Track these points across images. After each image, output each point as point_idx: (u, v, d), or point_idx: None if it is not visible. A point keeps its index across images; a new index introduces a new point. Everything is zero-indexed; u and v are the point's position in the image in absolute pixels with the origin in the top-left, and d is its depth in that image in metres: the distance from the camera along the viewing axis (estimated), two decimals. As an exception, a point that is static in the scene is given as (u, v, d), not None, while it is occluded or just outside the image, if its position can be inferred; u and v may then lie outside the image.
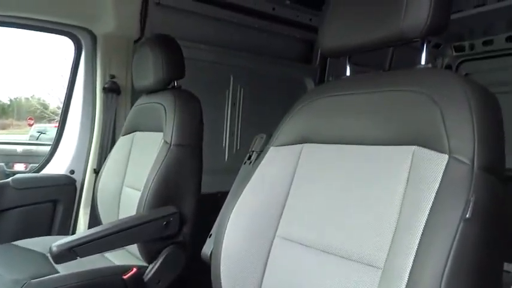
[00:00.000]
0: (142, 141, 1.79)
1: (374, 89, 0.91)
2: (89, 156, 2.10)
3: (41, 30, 1.98)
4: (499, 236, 0.71)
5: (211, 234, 1.22)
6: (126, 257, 1.61)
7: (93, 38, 2.06)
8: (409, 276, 0.69)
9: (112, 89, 2.06)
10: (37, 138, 7.70)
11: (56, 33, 2.03)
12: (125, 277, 1.39)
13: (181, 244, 1.53)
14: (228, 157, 2.53)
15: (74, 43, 2.08)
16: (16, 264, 1.46)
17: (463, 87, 0.75)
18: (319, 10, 2.51)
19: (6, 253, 1.59)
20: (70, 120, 2.15)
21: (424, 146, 0.77)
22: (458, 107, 0.73)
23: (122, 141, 1.91)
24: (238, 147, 2.56)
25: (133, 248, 1.52)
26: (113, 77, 2.07)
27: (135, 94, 2.06)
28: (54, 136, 2.23)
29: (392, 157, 0.82)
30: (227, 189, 1.27)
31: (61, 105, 2.26)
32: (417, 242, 0.69)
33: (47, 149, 2.31)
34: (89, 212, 2.06)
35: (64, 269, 1.40)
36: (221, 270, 1.02)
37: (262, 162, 1.08)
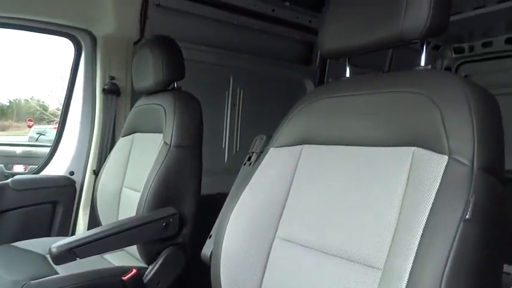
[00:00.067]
0: (142, 143, 1.79)
1: (374, 90, 0.91)
2: (88, 157, 2.10)
3: (41, 32, 1.98)
4: (499, 237, 0.71)
5: (211, 235, 1.22)
6: (126, 258, 1.61)
7: (93, 39, 2.06)
8: (409, 277, 0.69)
9: (112, 90, 2.07)
10: (36, 140, 7.69)
11: (55, 35, 2.03)
12: (124, 278, 1.39)
13: (181, 245, 1.53)
14: (227, 158, 2.54)
15: (74, 44, 2.08)
16: (15, 265, 1.46)
17: (463, 88, 0.76)
18: (319, 12, 2.52)
19: (6, 254, 1.58)
20: (70, 122, 2.15)
21: (424, 147, 0.77)
22: (458, 108, 0.73)
23: (121, 143, 1.91)
24: (237, 149, 2.57)
25: (133, 249, 1.52)
26: (112, 78, 2.08)
27: (135, 95, 2.06)
28: (53, 137, 2.23)
29: (392, 158, 0.82)
30: (227, 190, 1.27)
31: (60, 107, 2.27)
32: (417, 242, 0.70)
33: (46, 150, 2.32)
34: (88, 213, 2.06)
35: (63, 270, 1.40)
36: (221, 271, 1.02)
37: (262, 163, 1.08)
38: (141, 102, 1.85)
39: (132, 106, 2.00)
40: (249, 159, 1.30)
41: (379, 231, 0.80)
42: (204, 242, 1.22)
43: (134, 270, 1.42)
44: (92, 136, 2.11)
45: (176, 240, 1.52)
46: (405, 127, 0.82)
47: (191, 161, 1.57)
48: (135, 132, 1.85)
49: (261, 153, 1.13)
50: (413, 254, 0.69)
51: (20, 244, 1.69)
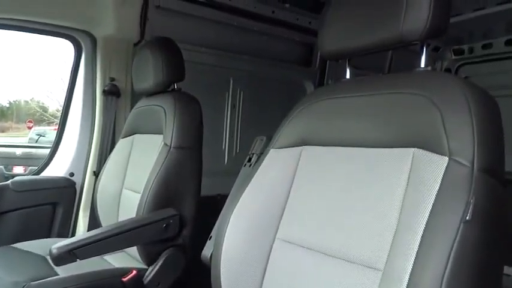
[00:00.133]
0: (142, 144, 1.79)
1: (374, 91, 0.91)
2: (88, 158, 2.10)
3: (41, 33, 1.98)
4: (499, 238, 0.71)
5: (211, 237, 1.22)
6: (126, 259, 1.61)
7: (93, 40, 2.06)
8: (409, 278, 0.69)
9: (112, 92, 2.07)
10: (36, 141, 7.68)
11: (56, 36, 2.03)
12: (124, 279, 1.39)
13: (181, 246, 1.53)
14: (227, 159, 2.54)
15: (74, 46, 2.08)
16: (16, 267, 1.46)
17: (463, 89, 0.76)
18: (319, 13, 2.52)
19: (6, 255, 1.58)
20: (70, 123, 2.15)
21: (424, 148, 0.77)
22: (458, 109, 0.73)
23: (121, 144, 1.91)
24: (238, 150, 2.57)
25: (133, 250, 1.52)
26: (112, 79, 2.08)
27: (135, 97, 2.06)
28: (53, 139, 2.23)
29: (392, 159, 0.83)
30: (227, 191, 1.27)
31: (60, 108, 2.27)
32: (417, 243, 0.70)
33: (46, 151, 2.32)
34: (88, 214, 2.06)
35: (63, 271, 1.40)
36: (221, 273, 1.02)
37: (262, 164, 1.08)
38: (141, 103, 1.86)
39: (132, 107, 2.00)
40: (249, 160, 1.30)
41: (379, 232, 0.80)
42: (204, 243, 1.22)
43: (134, 272, 1.42)
44: (92, 137, 2.11)
45: (176, 242, 1.52)
46: (405, 128, 0.82)
47: (191, 162, 1.57)
48: (135, 134, 1.85)
49: (261, 155, 1.13)
50: (414, 255, 0.69)
51: (20, 245, 1.69)
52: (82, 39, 2.06)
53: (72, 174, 2.09)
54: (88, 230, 2.00)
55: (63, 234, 2.03)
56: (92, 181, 2.07)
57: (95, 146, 2.10)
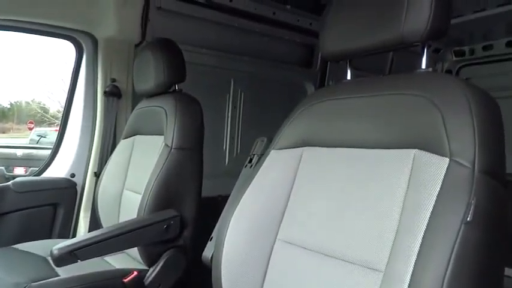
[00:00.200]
0: (143, 145, 1.79)
1: (374, 92, 0.91)
2: (89, 159, 2.10)
3: (42, 34, 1.99)
4: (500, 239, 0.71)
5: (211, 238, 1.22)
6: (127, 260, 1.61)
7: (95, 41, 2.06)
8: (410, 279, 0.69)
9: (113, 93, 2.07)
10: (37, 142, 7.67)
11: (57, 37, 2.04)
12: (125, 280, 1.39)
13: (182, 247, 1.52)
14: (228, 160, 2.54)
15: (75, 47, 2.09)
16: (17, 268, 1.46)
17: (464, 90, 0.76)
18: (319, 15, 2.52)
19: (7, 256, 1.58)
20: (71, 124, 2.15)
21: (425, 150, 0.77)
22: (459, 111, 0.74)
23: (122, 145, 1.91)
24: (238, 151, 2.57)
25: (134, 251, 1.52)
26: (113, 80, 2.08)
27: (136, 98, 2.06)
28: (54, 140, 2.23)
29: (393, 160, 0.83)
30: (228, 192, 1.27)
31: (61, 109, 2.27)
32: (418, 245, 0.70)
33: (47, 152, 2.31)
34: (89, 215, 2.06)
35: (64, 272, 1.40)
36: (222, 274, 1.02)
37: (263, 165, 1.08)
38: (142, 104, 1.86)
39: (133, 108, 2.00)
40: (250, 161, 1.30)
41: (380, 233, 0.80)
42: (205, 244, 1.22)
43: (135, 273, 1.42)
44: (93, 138, 2.11)
45: (177, 243, 1.51)
46: (406, 129, 0.82)
47: (192, 163, 1.57)
48: (136, 135, 1.85)
49: (262, 156, 1.13)
50: (415, 256, 0.69)
51: (21, 246, 1.69)
52: (83, 40, 2.06)
53: (73, 175, 2.09)
54: (89, 231, 1.99)
55: (64, 235, 2.03)
56: (92, 182, 2.07)
57: (95, 147, 2.10)
